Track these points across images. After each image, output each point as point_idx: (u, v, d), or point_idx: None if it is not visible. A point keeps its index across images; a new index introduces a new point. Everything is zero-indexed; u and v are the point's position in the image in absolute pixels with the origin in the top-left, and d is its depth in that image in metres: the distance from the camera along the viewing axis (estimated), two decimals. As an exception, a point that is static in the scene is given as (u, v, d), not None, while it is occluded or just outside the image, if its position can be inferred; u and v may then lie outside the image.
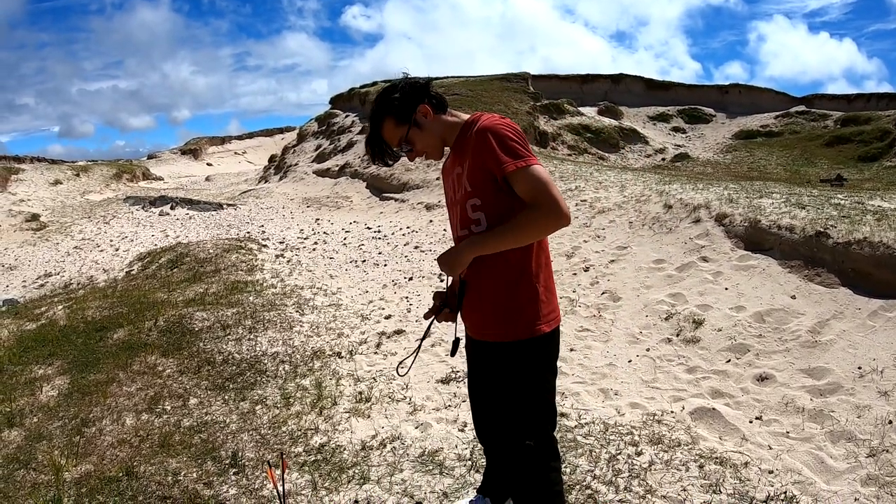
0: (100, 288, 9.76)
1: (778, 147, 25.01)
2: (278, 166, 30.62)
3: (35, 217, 20.23)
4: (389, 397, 4.89)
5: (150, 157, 47.90)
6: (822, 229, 6.17)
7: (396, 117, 2.57)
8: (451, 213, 2.74)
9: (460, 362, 5.48)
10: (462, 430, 4.28)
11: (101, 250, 14.86)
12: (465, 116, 2.64)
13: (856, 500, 3.26)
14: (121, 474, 3.95)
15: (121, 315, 7.07)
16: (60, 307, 7.91)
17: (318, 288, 8.36)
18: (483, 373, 2.73)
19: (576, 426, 4.25)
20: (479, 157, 2.43)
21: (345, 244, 11.82)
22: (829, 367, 4.56)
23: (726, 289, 6.12)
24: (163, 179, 36.60)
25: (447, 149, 2.70)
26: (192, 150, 50.35)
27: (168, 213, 19.35)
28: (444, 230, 11.44)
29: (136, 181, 33.64)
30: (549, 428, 2.66)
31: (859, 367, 4.46)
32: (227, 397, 4.96)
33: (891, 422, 3.82)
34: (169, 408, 4.83)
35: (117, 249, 14.62)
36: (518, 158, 2.37)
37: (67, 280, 12.49)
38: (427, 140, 2.61)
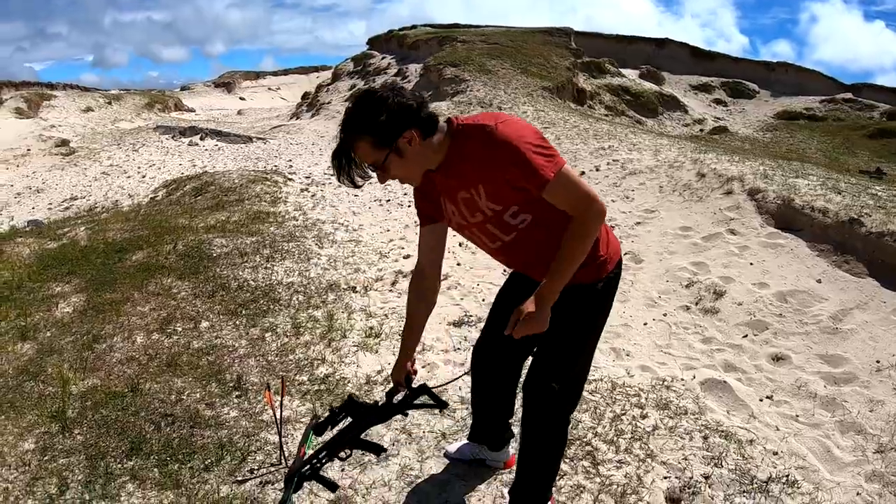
0: (123, 212, 9.78)
1: (820, 132, 24.33)
2: (311, 103, 30.43)
3: (65, 142, 20.29)
4: (400, 335, 4.82)
5: (182, 88, 47.84)
6: (856, 216, 6.03)
7: (376, 140, 2.19)
8: (466, 233, 2.56)
9: (474, 306, 5.41)
10: (467, 374, 4.20)
11: (128, 177, 14.90)
12: (445, 127, 2.31)
13: (858, 494, 3.20)
14: (126, 390, 3.96)
15: (141, 238, 7.05)
16: (83, 228, 7.92)
17: (339, 223, 8.29)
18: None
19: None
20: (500, 174, 2.21)
21: (370, 183, 11.70)
22: (846, 356, 4.49)
23: (751, 264, 6.02)
24: (194, 111, 36.56)
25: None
26: (225, 84, 50.18)
27: (197, 144, 19.32)
28: (444, 252, 11.23)
29: (168, 111, 33.63)
30: (577, 376, 2.64)
31: (878, 361, 4.38)
32: (238, 323, 4.93)
33: (903, 420, 3.74)
34: (180, 329, 4.82)
35: (144, 176, 14.64)
36: (546, 170, 2.17)
37: (92, 204, 12.55)
38: (407, 169, 2.29)
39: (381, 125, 2.16)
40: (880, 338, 4.64)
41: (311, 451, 2.58)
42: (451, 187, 2.38)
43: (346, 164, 2.27)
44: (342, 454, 2.61)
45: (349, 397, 2.59)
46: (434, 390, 2.64)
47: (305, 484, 2.67)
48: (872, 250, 5.64)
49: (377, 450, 2.69)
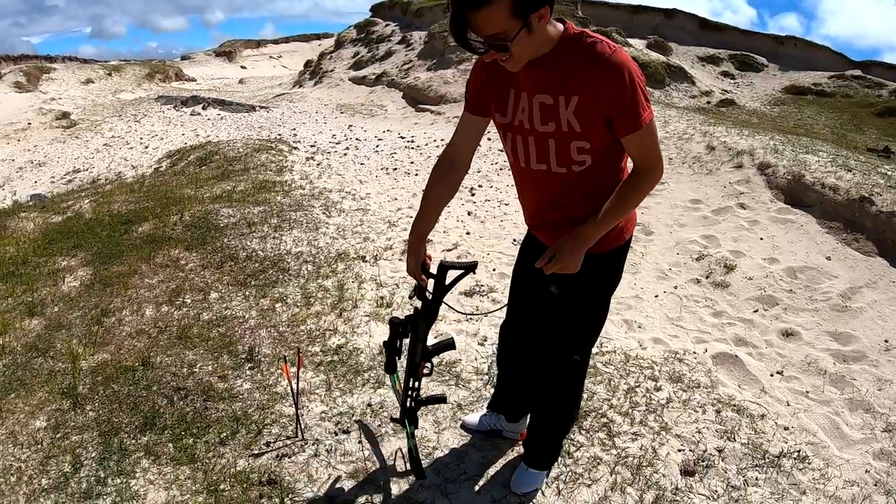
0: (127, 183, 9.70)
1: (828, 108, 23.97)
2: (313, 72, 30.15)
3: (65, 115, 20.18)
4: (411, 304, 4.77)
5: (183, 58, 47.47)
6: (866, 195, 6.02)
7: (516, 7, 1.91)
8: (518, 140, 2.31)
9: (485, 276, 5.34)
10: (482, 345, 4.18)
11: (131, 147, 14.81)
12: (560, 27, 2.10)
13: (867, 471, 3.19)
14: (137, 364, 3.92)
15: (146, 209, 6.97)
16: (87, 201, 7.85)
17: (346, 192, 8.20)
18: (557, 285, 2.48)
19: (597, 353, 4.14)
20: (602, 98, 2.05)
21: (377, 151, 11.59)
22: (856, 334, 4.47)
23: (761, 239, 5.99)
24: (196, 80, 36.31)
25: None
26: (226, 53, 49.76)
27: (199, 113, 19.19)
28: (479, 145, 11.11)
29: (169, 81, 33.41)
30: (593, 343, 2.65)
31: (886, 341, 4.37)
32: (247, 293, 4.87)
33: (911, 401, 3.73)
34: (189, 301, 4.76)
35: (146, 147, 14.55)
36: (646, 112, 2.08)
37: (95, 176, 12.48)
38: (526, 48, 2.03)
39: None
40: (889, 318, 4.63)
41: (400, 387, 2.76)
42: (538, 86, 2.16)
43: (461, 31, 1.97)
44: (425, 371, 2.75)
45: (390, 322, 2.68)
46: (454, 264, 2.62)
47: (325, 454, 2.91)
48: (882, 230, 5.65)
49: (450, 346, 2.88)
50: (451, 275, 2.60)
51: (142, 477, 3.01)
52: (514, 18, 1.92)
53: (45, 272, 5.45)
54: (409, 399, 2.78)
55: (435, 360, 3.94)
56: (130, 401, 3.55)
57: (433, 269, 2.62)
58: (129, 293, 4.89)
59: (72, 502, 2.87)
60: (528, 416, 3.20)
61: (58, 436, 3.30)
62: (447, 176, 2.54)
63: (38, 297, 4.94)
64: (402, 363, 2.89)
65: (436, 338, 2.82)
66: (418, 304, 2.65)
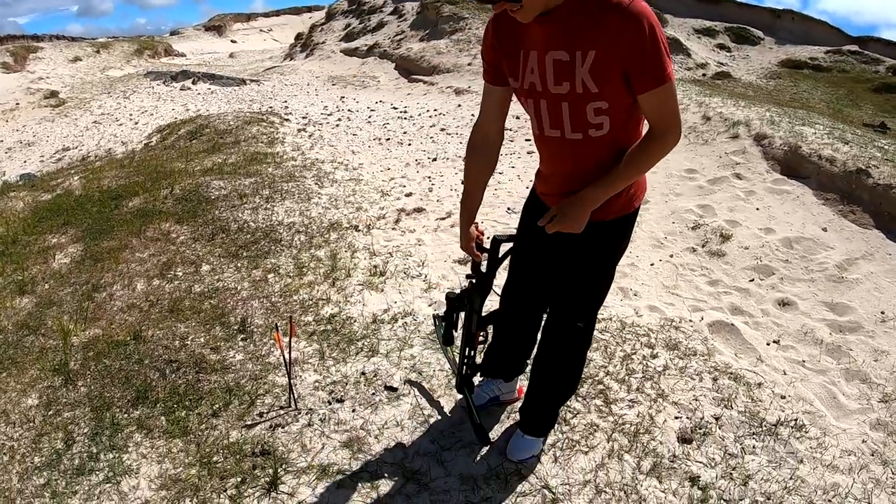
0: (117, 159, 9.61)
1: (824, 83, 23.73)
2: (305, 44, 29.81)
3: (54, 94, 19.93)
4: (405, 273, 4.72)
5: (172, 33, 46.93)
6: (863, 167, 5.98)
7: None
8: (531, 105, 2.22)
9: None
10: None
11: (120, 124, 14.65)
12: None
13: (863, 441, 3.17)
14: (128, 338, 3.88)
15: (136, 184, 6.89)
16: (76, 178, 7.77)
17: (338, 162, 8.11)
18: (565, 253, 2.43)
19: None
20: (620, 49, 1.92)
21: (369, 122, 11.48)
22: (852, 305, 4.45)
23: (757, 209, 5.94)
24: (185, 56, 35.88)
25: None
26: (216, 27, 49.16)
27: (189, 88, 18.98)
28: (473, 115, 11.03)
29: (158, 57, 33.00)
30: (598, 310, 2.60)
31: (882, 312, 4.34)
32: (239, 265, 4.81)
33: (907, 372, 3.70)
34: (181, 274, 4.71)
35: (136, 123, 14.40)
36: (668, 67, 1.96)
37: (85, 153, 12.36)
38: None
39: None
40: (885, 289, 4.61)
41: (457, 356, 2.81)
42: (551, 40, 2.04)
43: None
44: (480, 338, 2.81)
45: (447, 298, 2.74)
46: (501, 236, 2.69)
47: (318, 423, 2.92)
48: (879, 202, 5.61)
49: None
50: (504, 248, 2.69)
51: (134, 451, 2.98)
52: None
53: (35, 250, 5.39)
54: (464, 367, 2.81)
55: (428, 327, 3.93)
56: (122, 375, 3.51)
57: (486, 245, 2.67)
58: (119, 268, 4.83)
59: (64, 479, 2.84)
60: (521, 374, 3.19)
61: (50, 413, 3.27)
62: (481, 153, 2.50)
63: (29, 275, 4.89)
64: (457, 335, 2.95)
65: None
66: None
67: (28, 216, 6.34)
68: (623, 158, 2.12)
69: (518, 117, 8.65)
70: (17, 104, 18.80)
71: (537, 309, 2.83)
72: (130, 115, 15.55)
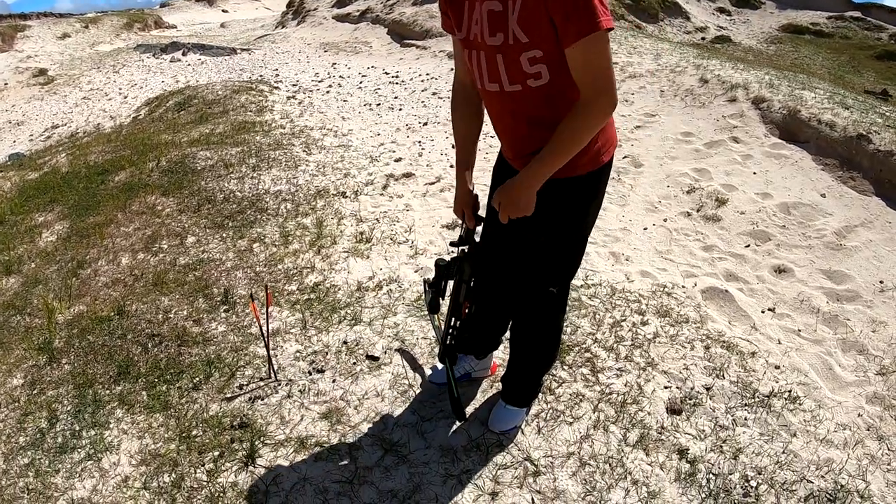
0: (104, 134, 9.51)
1: (825, 49, 23.41)
2: (296, 11, 29.40)
3: (43, 72, 19.69)
4: (391, 239, 4.65)
5: (162, 5, 46.30)
6: (864, 132, 5.83)
7: None
8: (473, 57, 2.13)
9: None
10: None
11: (110, 99, 14.49)
12: None
13: (859, 415, 3.07)
14: (112, 314, 3.84)
15: (123, 158, 6.81)
16: (63, 155, 7.70)
17: (328, 129, 8.00)
18: (533, 215, 2.24)
19: (582, 286, 4.02)
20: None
21: (360, 88, 11.32)
22: (850, 273, 4.33)
23: (754, 173, 5.81)
24: (176, 27, 35.44)
25: None
26: (207, -3, 48.58)
27: (179, 60, 18.74)
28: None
29: (148, 30, 32.59)
30: (572, 276, 2.49)
31: (881, 282, 4.23)
32: (225, 235, 4.75)
33: (906, 344, 3.60)
34: (166, 246, 4.65)
35: (126, 97, 14.24)
36: (601, 17, 1.80)
37: (74, 130, 12.24)
38: None
39: None
40: (885, 258, 4.50)
41: (441, 325, 2.73)
42: None
43: None
44: (466, 311, 2.70)
45: (436, 265, 2.63)
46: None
47: (298, 395, 2.88)
48: (880, 169, 5.48)
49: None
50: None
51: (115, 427, 2.96)
52: None
53: (21, 230, 5.35)
54: (449, 337, 2.73)
55: (413, 294, 3.87)
56: (105, 351, 3.48)
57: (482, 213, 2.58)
58: (105, 243, 4.78)
59: (48, 458, 2.83)
60: (494, 350, 3.11)
61: (34, 392, 3.25)
62: (464, 104, 2.41)
63: (15, 255, 4.85)
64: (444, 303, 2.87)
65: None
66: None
67: (15, 196, 6.29)
68: (558, 130, 2.00)
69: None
70: (6, 84, 18.61)
71: (509, 277, 2.71)
72: (120, 89, 15.39)
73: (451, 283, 2.70)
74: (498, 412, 2.82)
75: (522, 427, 2.83)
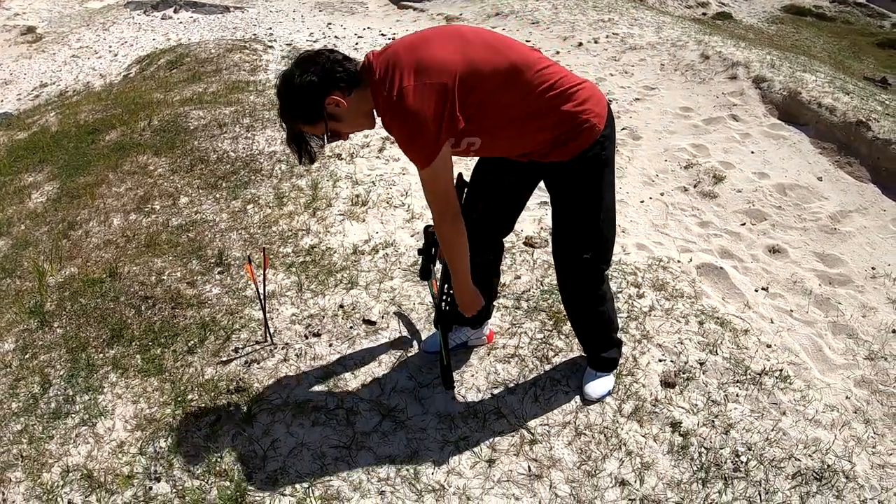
0: (94, 93, 9.35)
1: (827, 32, 23.09)
2: (290, -33, 28.96)
3: (31, 29, 19.21)
4: (387, 202, 4.59)
5: (154, -41, 45.51)
6: (863, 119, 5.81)
7: (305, 119, 2.17)
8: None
9: (465, 172, 5.14)
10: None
11: (100, 57, 14.20)
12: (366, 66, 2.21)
13: (847, 398, 3.10)
14: (104, 276, 3.79)
15: (114, 117, 6.69)
16: (53, 114, 7.55)
17: (323, 90, 7.88)
18: (551, 190, 2.51)
19: None
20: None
21: (356, 49, 11.14)
22: (843, 258, 4.37)
23: (752, 152, 5.80)
24: (168, -17, 34.88)
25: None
26: (199, -48, 47.71)
27: (171, 17, 18.41)
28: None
29: (140, -15, 32.04)
30: (603, 243, 2.54)
31: (873, 268, 4.26)
32: (218, 196, 4.68)
33: (894, 331, 3.63)
34: (158, 207, 4.59)
35: (116, 55, 13.97)
36: (420, 161, 2.14)
37: (63, 89, 12.01)
38: (352, 124, 2.25)
39: (300, 107, 2.14)
40: (878, 245, 4.53)
41: (436, 292, 2.80)
42: None
43: (302, 145, 2.25)
44: None
45: (426, 231, 2.73)
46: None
47: (294, 358, 2.90)
48: (877, 157, 5.50)
49: None
50: None
51: (110, 392, 2.94)
52: (315, 125, 2.17)
53: (10, 191, 5.27)
54: (443, 303, 2.73)
55: (409, 259, 3.84)
56: (98, 314, 3.45)
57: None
58: (96, 204, 4.71)
59: (41, 424, 2.80)
60: (489, 319, 3.12)
61: (26, 357, 3.22)
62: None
63: (5, 216, 4.79)
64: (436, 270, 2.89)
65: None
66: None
67: (3, 156, 6.18)
68: None
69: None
70: (-7, 43, 18.25)
71: (495, 246, 2.82)
72: (110, 47, 15.10)
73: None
74: (588, 378, 2.89)
75: (521, 397, 2.84)
